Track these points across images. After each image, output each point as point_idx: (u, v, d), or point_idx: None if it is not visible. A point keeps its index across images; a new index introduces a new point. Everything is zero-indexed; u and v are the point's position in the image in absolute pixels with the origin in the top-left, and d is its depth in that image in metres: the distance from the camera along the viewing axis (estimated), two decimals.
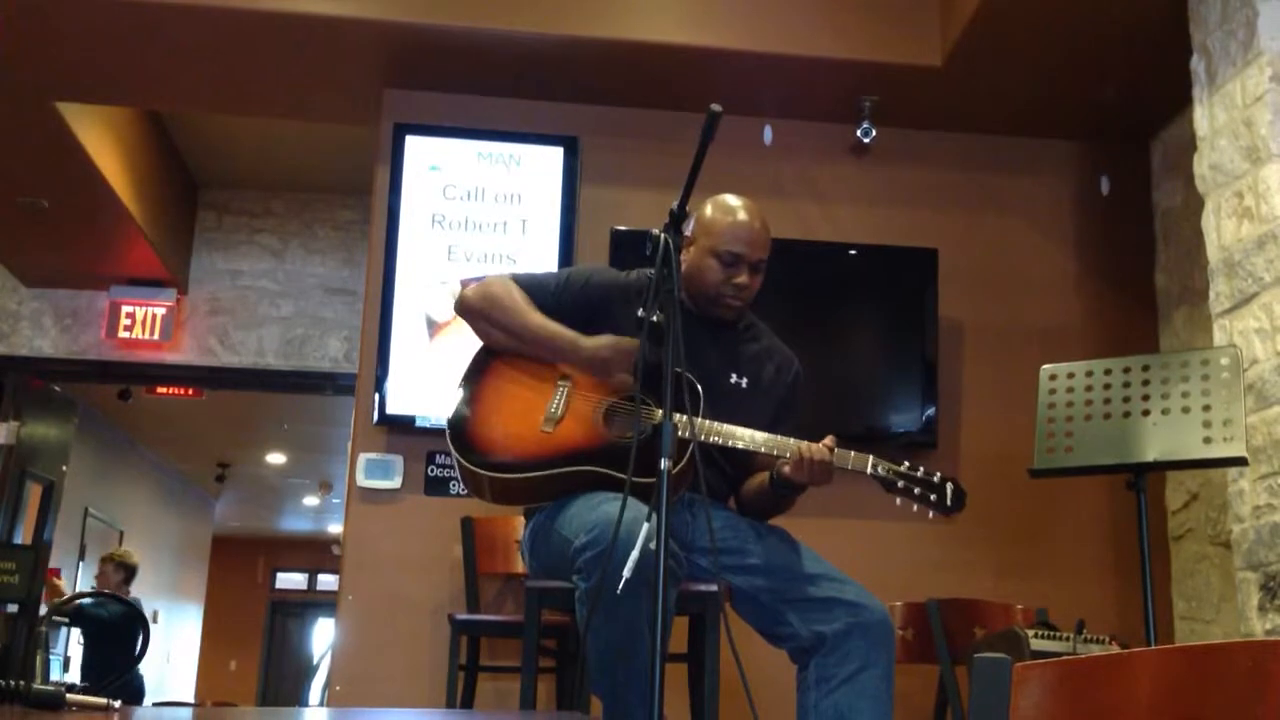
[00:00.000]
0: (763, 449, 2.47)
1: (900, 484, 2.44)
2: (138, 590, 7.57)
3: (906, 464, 2.46)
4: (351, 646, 3.97)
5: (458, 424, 2.56)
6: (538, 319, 2.58)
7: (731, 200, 2.64)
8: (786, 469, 2.45)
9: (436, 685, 3.77)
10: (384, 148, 4.28)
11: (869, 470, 2.45)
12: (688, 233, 2.64)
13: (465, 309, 2.66)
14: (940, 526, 4.09)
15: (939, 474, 2.46)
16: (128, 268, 6.08)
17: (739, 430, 2.47)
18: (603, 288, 2.64)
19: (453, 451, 2.54)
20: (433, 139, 4.28)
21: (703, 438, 2.44)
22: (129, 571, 7.14)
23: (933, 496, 2.43)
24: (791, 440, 2.46)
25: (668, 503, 1.99)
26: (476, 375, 2.64)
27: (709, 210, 2.64)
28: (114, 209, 5.42)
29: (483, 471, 2.51)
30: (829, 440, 2.44)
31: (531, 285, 2.66)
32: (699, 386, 2.44)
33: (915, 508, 2.45)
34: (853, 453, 2.47)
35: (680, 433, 2.24)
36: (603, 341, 2.52)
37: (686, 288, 2.65)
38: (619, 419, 2.51)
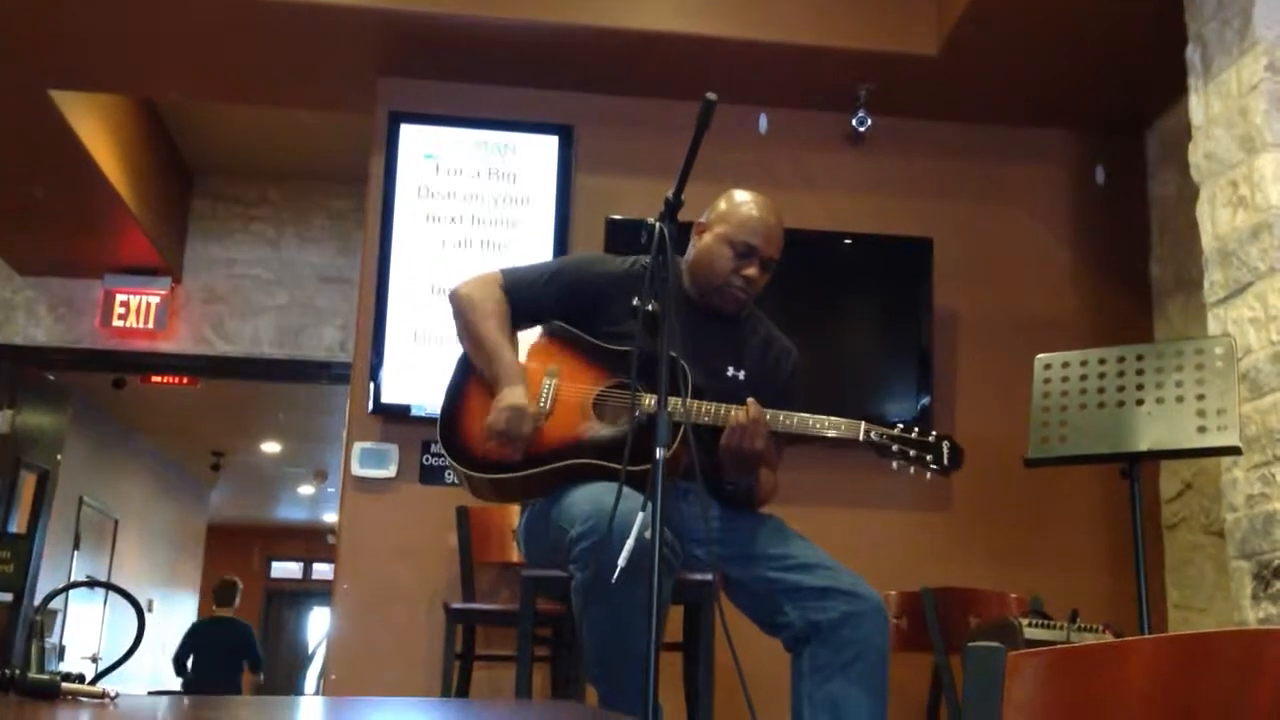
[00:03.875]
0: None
1: (895, 447, 2.42)
2: (134, 578, 7.61)
3: (900, 425, 2.45)
4: (347, 635, 3.98)
5: (448, 426, 2.55)
6: (493, 335, 2.54)
7: (754, 195, 2.63)
8: (722, 438, 2.42)
9: (432, 674, 3.78)
10: (379, 136, 4.27)
11: (861, 437, 2.44)
12: (703, 219, 2.64)
13: (451, 303, 2.66)
14: (935, 515, 4.13)
15: (934, 433, 2.45)
16: (122, 256, 6.05)
17: (723, 407, 2.45)
18: (597, 278, 2.63)
19: (446, 455, 2.53)
20: (428, 127, 4.27)
21: (695, 416, 2.42)
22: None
23: (929, 456, 2.42)
24: (718, 404, 2.44)
25: (662, 487, 1.99)
26: (464, 374, 2.62)
27: (732, 199, 2.62)
28: (108, 197, 5.40)
29: (477, 474, 2.50)
30: (749, 401, 2.42)
31: (518, 282, 2.65)
32: (687, 369, 2.43)
33: (912, 470, 2.43)
34: (844, 420, 2.46)
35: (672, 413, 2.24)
36: (510, 404, 2.44)
37: (692, 275, 2.63)
38: (610, 408, 2.51)
